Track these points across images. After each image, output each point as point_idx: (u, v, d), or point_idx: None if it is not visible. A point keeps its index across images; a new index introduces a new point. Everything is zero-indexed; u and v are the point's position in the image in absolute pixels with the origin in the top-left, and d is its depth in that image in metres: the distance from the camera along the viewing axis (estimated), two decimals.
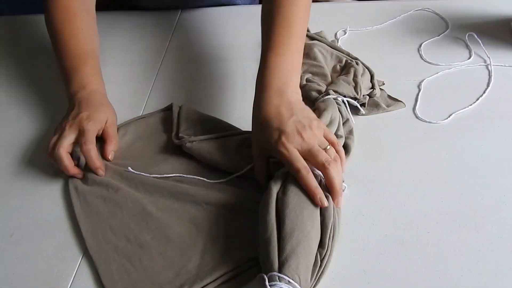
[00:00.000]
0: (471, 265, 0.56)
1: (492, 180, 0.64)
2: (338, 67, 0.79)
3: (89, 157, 0.67)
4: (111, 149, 0.71)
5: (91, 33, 0.83)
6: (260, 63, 0.68)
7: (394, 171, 0.67)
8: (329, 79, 0.77)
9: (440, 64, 0.82)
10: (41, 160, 0.73)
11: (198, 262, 0.57)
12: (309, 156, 0.59)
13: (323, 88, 0.74)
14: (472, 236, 0.58)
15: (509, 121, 0.72)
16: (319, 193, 0.56)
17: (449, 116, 0.73)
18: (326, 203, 0.56)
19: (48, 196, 0.68)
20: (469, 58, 0.83)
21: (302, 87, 0.73)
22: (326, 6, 1.01)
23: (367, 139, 0.71)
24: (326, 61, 0.80)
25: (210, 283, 0.54)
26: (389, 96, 0.76)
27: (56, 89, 0.85)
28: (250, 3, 1.08)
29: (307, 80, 0.76)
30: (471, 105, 0.74)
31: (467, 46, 0.85)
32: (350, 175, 0.66)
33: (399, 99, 0.76)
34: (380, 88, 0.77)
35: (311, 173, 0.57)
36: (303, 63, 0.77)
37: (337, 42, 0.89)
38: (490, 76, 0.79)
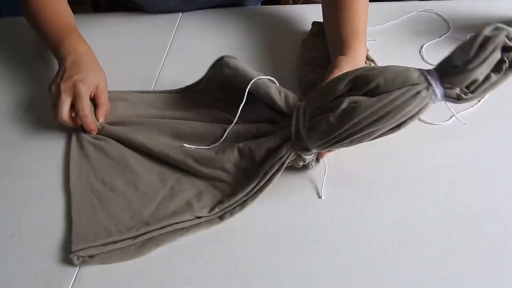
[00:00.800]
0: (472, 266, 0.55)
1: (493, 181, 0.64)
2: None
3: (86, 122, 0.73)
4: (101, 114, 0.76)
5: (69, 12, 0.88)
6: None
7: (395, 172, 0.66)
8: None
9: None
10: (42, 160, 0.73)
11: (152, 212, 0.63)
12: None
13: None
14: (473, 238, 0.58)
15: (511, 122, 0.72)
16: None
17: (450, 118, 0.73)
18: None
19: (49, 197, 0.68)
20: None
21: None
22: None
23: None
24: None
25: (155, 230, 0.61)
26: None
27: None
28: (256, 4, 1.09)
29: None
30: (472, 106, 0.74)
31: None
32: (351, 176, 0.66)
33: None
34: None
35: None
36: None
37: None
38: None
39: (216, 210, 0.63)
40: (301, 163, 0.65)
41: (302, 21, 0.93)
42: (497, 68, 0.53)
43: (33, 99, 0.85)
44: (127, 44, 0.96)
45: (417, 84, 0.54)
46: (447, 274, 0.55)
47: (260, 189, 0.64)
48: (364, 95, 0.56)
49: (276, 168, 0.63)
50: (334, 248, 0.59)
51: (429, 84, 0.54)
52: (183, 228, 0.62)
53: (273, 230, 0.62)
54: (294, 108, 0.63)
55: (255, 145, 0.65)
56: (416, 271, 0.56)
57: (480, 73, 0.52)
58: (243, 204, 0.64)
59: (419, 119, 0.73)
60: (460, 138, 0.70)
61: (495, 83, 0.54)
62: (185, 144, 0.70)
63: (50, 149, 0.75)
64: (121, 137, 0.73)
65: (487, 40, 0.51)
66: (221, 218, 0.63)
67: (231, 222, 0.63)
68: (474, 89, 0.54)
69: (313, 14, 0.84)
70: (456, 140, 0.70)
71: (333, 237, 0.60)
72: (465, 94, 0.54)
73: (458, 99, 0.54)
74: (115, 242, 0.60)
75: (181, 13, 1.03)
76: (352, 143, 0.57)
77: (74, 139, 0.75)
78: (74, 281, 0.58)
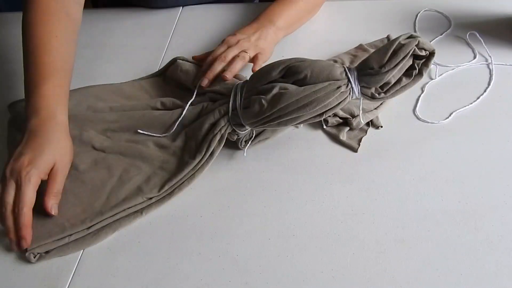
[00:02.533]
0: (471, 263, 0.56)
1: (492, 179, 0.64)
2: None
3: (20, 223, 0.59)
4: (52, 203, 0.62)
5: (67, 42, 0.73)
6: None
7: (394, 170, 0.67)
8: None
9: (443, 65, 0.81)
10: None
11: (104, 201, 0.64)
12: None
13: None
14: (472, 235, 0.58)
15: (510, 119, 0.72)
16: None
17: (449, 116, 0.73)
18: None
19: None
20: (474, 58, 0.82)
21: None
22: (328, 4, 1.01)
23: (367, 138, 0.71)
24: None
25: (109, 217, 0.63)
26: None
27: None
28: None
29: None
30: (471, 103, 0.74)
31: (469, 45, 0.85)
32: (350, 174, 0.66)
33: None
34: None
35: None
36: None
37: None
38: (491, 75, 0.79)
39: (166, 187, 0.65)
40: (235, 137, 0.68)
41: None
42: (408, 73, 0.60)
43: None
44: (126, 40, 0.96)
45: (339, 80, 0.60)
46: (445, 271, 0.55)
47: (206, 161, 0.67)
48: (293, 83, 0.62)
49: (217, 139, 0.67)
50: (332, 245, 0.59)
51: (349, 81, 0.60)
52: (136, 211, 0.64)
53: (271, 226, 0.62)
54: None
55: (198, 123, 0.69)
56: (414, 268, 0.56)
57: (392, 77, 0.59)
58: (191, 177, 0.66)
59: (418, 118, 0.73)
60: (458, 136, 0.70)
61: (405, 86, 0.61)
62: (139, 130, 0.72)
63: None
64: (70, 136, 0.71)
65: (400, 47, 0.57)
66: (171, 194, 0.66)
67: (230, 218, 0.63)
68: (386, 90, 0.61)
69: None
70: (454, 138, 0.70)
71: (332, 234, 0.60)
72: (378, 94, 0.61)
73: (372, 97, 0.61)
74: (70, 235, 0.61)
75: (180, 8, 1.02)
76: (279, 125, 0.63)
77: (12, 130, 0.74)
78: (72, 277, 0.59)
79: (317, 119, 0.63)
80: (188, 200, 0.66)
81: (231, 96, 0.67)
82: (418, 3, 0.95)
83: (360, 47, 0.83)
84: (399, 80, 0.60)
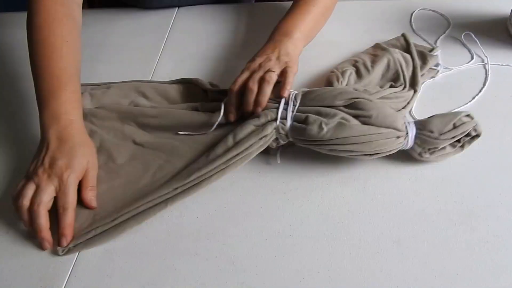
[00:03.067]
0: (467, 263, 0.56)
1: (487, 179, 0.64)
2: (387, 86, 0.75)
3: (65, 223, 0.61)
4: (90, 196, 0.64)
5: (76, 47, 0.73)
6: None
7: (389, 169, 0.67)
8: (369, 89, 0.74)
9: (445, 66, 0.81)
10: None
11: (135, 197, 0.64)
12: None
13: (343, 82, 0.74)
14: (468, 235, 0.59)
15: (505, 119, 0.72)
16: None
17: None
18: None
19: None
20: (472, 59, 0.82)
21: (331, 71, 0.77)
22: None
23: None
24: (386, 74, 0.77)
25: (134, 209, 0.62)
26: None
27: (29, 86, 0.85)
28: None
29: (342, 72, 0.75)
30: (466, 104, 0.74)
31: (465, 46, 0.85)
32: (346, 174, 0.67)
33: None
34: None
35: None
36: (360, 59, 0.80)
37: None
38: (487, 75, 0.79)
39: (193, 177, 0.64)
40: (274, 145, 0.67)
41: None
42: (453, 144, 0.65)
43: (28, 95, 0.84)
44: (122, 40, 0.96)
45: (400, 130, 0.63)
46: (441, 271, 0.55)
47: (241, 160, 0.65)
48: (354, 117, 0.64)
49: (260, 144, 0.65)
50: (329, 245, 0.59)
51: (407, 134, 0.63)
52: (161, 202, 0.63)
53: (268, 227, 0.62)
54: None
55: (241, 121, 0.67)
56: (410, 268, 0.56)
57: (442, 144, 0.64)
58: (221, 171, 0.65)
59: (414, 118, 0.73)
60: None
61: (447, 154, 0.65)
62: (179, 132, 0.71)
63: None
64: (105, 126, 0.73)
65: (461, 124, 0.63)
66: (198, 185, 0.64)
67: (226, 219, 0.63)
68: (432, 152, 0.65)
69: None
70: None
71: (328, 234, 0.60)
72: (425, 154, 0.65)
73: (419, 155, 0.65)
74: (97, 227, 0.61)
75: (176, 9, 1.02)
76: (329, 152, 0.65)
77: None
78: (69, 276, 0.58)
79: (366, 158, 0.64)
80: (184, 200, 0.65)
81: (281, 104, 0.67)
82: (414, 3, 0.96)
83: (378, 46, 0.82)
84: (443, 148, 0.65)
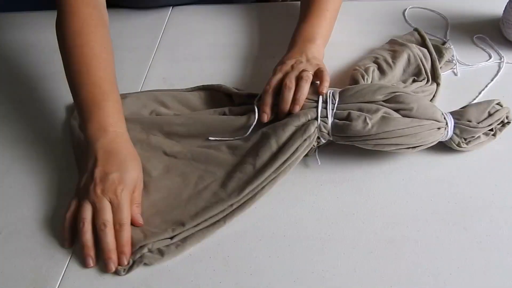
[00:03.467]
0: (460, 263, 0.56)
1: (481, 179, 0.65)
2: (410, 81, 0.75)
3: (124, 240, 0.58)
4: (137, 213, 0.62)
5: (112, 52, 0.71)
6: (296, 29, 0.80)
7: (384, 170, 0.67)
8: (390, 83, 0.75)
9: (463, 62, 0.82)
10: (29, 157, 0.73)
11: (182, 211, 0.62)
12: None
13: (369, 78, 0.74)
14: (461, 235, 0.59)
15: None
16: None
17: None
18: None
19: (37, 194, 0.68)
20: (490, 58, 0.82)
21: (354, 69, 0.77)
22: None
23: None
24: (407, 69, 0.77)
25: (191, 228, 0.60)
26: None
27: (48, 87, 0.85)
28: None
29: (365, 69, 0.75)
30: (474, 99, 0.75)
31: (476, 45, 0.85)
32: (340, 174, 0.67)
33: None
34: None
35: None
36: (378, 54, 0.79)
37: None
38: (498, 72, 0.79)
39: (246, 191, 0.62)
40: (315, 145, 0.66)
41: (292, 18, 0.93)
42: (486, 132, 0.67)
43: (26, 97, 0.84)
44: (115, 41, 0.94)
45: (439, 121, 0.64)
46: (434, 270, 0.56)
47: (290, 165, 0.64)
48: (396, 111, 0.64)
49: (305, 145, 0.64)
50: (323, 245, 0.59)
51: (447, 125, 0.65)
52: (218, 220, 0.61)
53: (263, 227, 0.62)
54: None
55: (280, 123, 0.66)
56: (404, 268, 0.56)
57: (480, 132, 0.66)
58: (273, 180, 0.64)
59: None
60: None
61: (481, 143, 0.67)
62: (210, 138, 0.70)
63: (38, 146, 0.75)
64: (138, 139, 0.70)
65: (496, 111, 0.65)
66: (252, 199, 0.63)
67: None
68: (468, 142, 0.66)
69: None
70: None
71: (323, 235, 0.60)
72: (462, 144, 0.66)
73: (457, 145, 0.66)
74: (153, 242, 0.59)
75: (170, 9, 1.02)
76: (375, 147, 0.65)
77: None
78: (61, 278, 0.58)
79: (408, 151, 0.65)
80: None
81: (319, 103, 0.66)
82: (405, 2, 0.96)
83: (395, 42, 0.83)
84: (478, 137, 0.66)
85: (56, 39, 0.72)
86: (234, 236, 0.61)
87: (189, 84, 0.81)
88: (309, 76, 0.68)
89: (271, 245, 0.60)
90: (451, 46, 0.82)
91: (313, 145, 0.66)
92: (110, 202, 0.59)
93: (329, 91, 0.68)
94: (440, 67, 0.78)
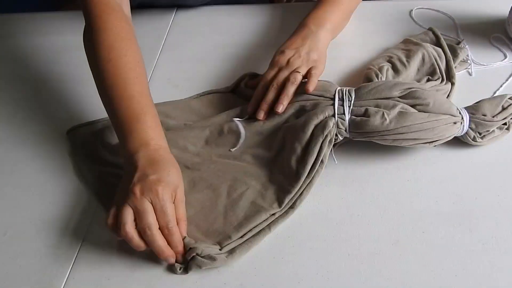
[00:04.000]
0: (465, 265, 0.56)
1: (486, 180, 0.64)
2: (424, 80, 0.75)
3: (172, 241, 0.57)
4: (184, 230, 0.59)
5: (144, 67, 0.69)
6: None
7: (388, 171, 0.67)
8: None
9: (477, 62, 0.81)
10: (34, 158, 0.73)
11: (223, 222, 0.61)
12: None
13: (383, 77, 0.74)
14: (466, 236, 0.58)
15: (510, 130, 0.71)
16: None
17: None
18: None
19: (42, 195, 0.68)
20: (505, 57, 0.82)
21: (368, 68, 0.77)
22: None
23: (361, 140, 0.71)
24: (422, 68, 0.77)
25: (238, 239, 0.59)
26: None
27: (53, 88, 0.85)
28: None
29: (379, 68, 0.75)
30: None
31: (493, 44, 0.85)
32: (345, 175, 0.67)
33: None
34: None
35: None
36: (392, 53, 0.80)
37: None
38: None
39: (286, 201, 0.62)
40: (333, 142, 0.66)
41: (298, 19, 0.93)
42: (500, 126, 0.68)
43: (26, 97, 0.84)
44: None
45: (455, 116, 0.65)
46: (439, 272, 0.55)
47: (320, 166, 0.64)
48: (413, 106, 0.65)
49: (327, 142, 0.64)
50: (327, 246, 0.59)
51: (462, 119, 0.65)
52: (263, 228, 0.61)
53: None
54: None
55: (299, 125, 0.66)
56: (409, 269, 0.56)
57: (495, 126, 0.67)
58: (309, 185, 0.64)
59: None
60: (455, 138, 0.70)
61: (496, 137, 0.68)
62: (235, 119, 0.71)
63: (43, 147, 0.75)
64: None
65: (509, 105, 0.67)
66: (293, 207, 0.63)
67: None
68: (483, 136, 0.67)
69: (306, 12, 0.84)
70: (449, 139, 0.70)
71: (327, 236, 0.60)
72: (478, 138, 0.67)
73: (473, 140, 0.67)
74: (203, 249, 0.57)
75: (175, 10, 1.02)
76: (393, 142, 0.65)
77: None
78: (66, 279, 0.58)
79: (427, 146, 0.66)
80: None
81: (336, 100, 0.66)
82: (412, 3, 0.96)
83: (409, 41, 0.83)
84: (493, 131, 0.67)
85: (85, 52, 0.71)
86: None
87: (193, 85, 0.82)
88: (297, 79, 0.69)
89: (275, 246, 0.60)
90: (466, 46, 0.82)
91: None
92: (152, 204, 0.57)
93: (344, 88, 0.68)
94: (455, 67, 0.78)
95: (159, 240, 0.56)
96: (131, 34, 0.71)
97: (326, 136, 0.64)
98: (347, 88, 0.68)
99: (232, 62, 0.88)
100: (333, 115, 0.65)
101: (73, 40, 0.80)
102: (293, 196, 0.63)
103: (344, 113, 0.65)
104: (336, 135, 0.65)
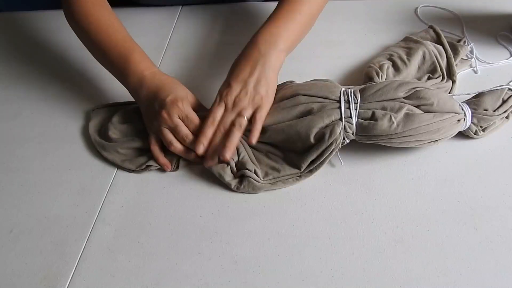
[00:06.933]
0: (470, 263, 0.56)
1: (491, 179, 0.64)
2: (425, 78, 0.76)
3: (205, 137, 0.67)
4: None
5: (121, 23, 0.80)
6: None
7: (393, 169, 0.67)
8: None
9: (482, 60, 0.81)
10: (40, 156, 0.73)
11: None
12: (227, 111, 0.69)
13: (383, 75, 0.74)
14: (471, 235, 0.58)
15: (510, 119, 0.72)
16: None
17: None
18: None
19: (47, 193, 0.68)
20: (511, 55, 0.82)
21: (368, 66, 0.76)
22: (327, 4, 1.01)
23: None
24: (422, 66, 0.77)
25: (283, 176, 0.67)
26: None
27: (61, 86, 0.85)
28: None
29: (380, 66, 0.75)
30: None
31: (500, 43, 0.84)
32: (349, 173, 0.66)
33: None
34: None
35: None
36: (393, 52, 0.79)
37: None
38: None
39: (270, 177, 0.67)
40: (340, 145, 0.66)
41: None
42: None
43: (31, 95, 0.85)
44: None
45: (459, 113, 0.65)
46: (444, 271, 0.55)
47: (316, 168, 0.66)
48: (417, 106, 0.65)
49: (332, 148, 0.65)
50: (332, 245, 0.59)
51: (465, 115, 0.66)
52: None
53: (271, 226, 0.62)
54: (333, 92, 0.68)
55: (303, 126, 0.66)
56: (413, 268, 0.56)
57: (496, 119, 0.67)
58: (298, 178, 0.66)
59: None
60: (457, 135, 0.70)
61: (495, 128, 0.69)
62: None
63: (48, 144, 0.75)
64: None
65: (508, 97, 0.68)
66: (274, 185, 0.66)
67: (229, 218, 0.63)
68: (484, 129, 0.68)
69: None
70: (453, 137, 0.70)
71: (331, 234, 0.60)
72: (479, 131, 0.68)
73: (475, 134, 0.68)
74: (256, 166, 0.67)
75: (180, 8, 1.02)
76: (400, 144, 0.65)
77: None
78: (72, 276, 0.59)
79: (431, 145, 0.66)
80: (187, 200, 0.66)
81: (342, 102, 0.65)
82: (416, 1, 0.95)
83: (410, 39, 0.82)
84: (494, 122, 0.68)
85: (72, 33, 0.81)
86: (243, 235, 0.61)
87: (199, 83, 0.82)
88: (241, 125, 0.67)
89: (280, 244, 0.60)
90: (471, 44, 0.81)
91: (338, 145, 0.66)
92: (180, 118, 0.68)
93: (349, 90, 0.67)
94: (456, 65, 0.77)
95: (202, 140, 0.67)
96: (103, 1, 0.81)
97: (331, 143, 0.64)
98: (352, 89, 0.67)
99: None
100: (340, 119, 0.65)
101: (77, 38, 0.80)
102: (280, 177, 0.67)
103: (351, 116, 0.65)
104: (344, 138, 0.65)
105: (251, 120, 0.68)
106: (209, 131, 0.67)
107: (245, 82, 0.69)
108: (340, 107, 0.65)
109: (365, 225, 0.61)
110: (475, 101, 0.68)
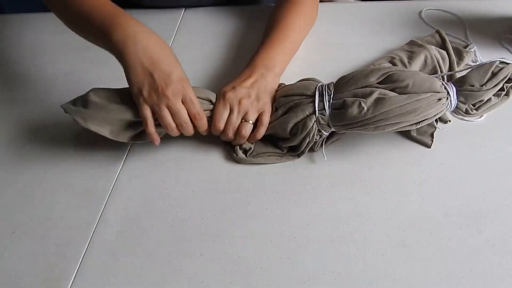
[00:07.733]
0: (472, 266, 0.56)
1: (494, 182, 0.64)
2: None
3: (202, 125, 0.69)
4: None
5: None
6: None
7: (395, 171, 0.67)
8: None
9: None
10: (43, 157, 0.73)
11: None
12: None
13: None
14: (474, 238, 0.58)
15: (511, 122, 0.72)
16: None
17: (449, 120, 0.72)
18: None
19: (49, 194, 0.68)
20: None
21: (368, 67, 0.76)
22: (331, 7, 1.01)
23: (368, 139, 0.70)
24: (423, 70, 0.77)
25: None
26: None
27: (60, 87, 0.86)
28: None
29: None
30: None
31: (504, 46, 0.84)
32: (352, 176, 0.66)
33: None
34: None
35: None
36: (396, 55, 0.79)
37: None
38: None
39: (250, 151, 0.71)
40: (318, 138, 0.68)
41: None
42: (497, 93, 0.66)
43: (33, 96, 0.85)
44: None
45: (439, 92, 0.63)
46: (446, 273, 0.55)
47: (292, 157, 0.70)
48: (392, 90, 0.63)
49: (307, 141, 0.67)
50: (334, 247, 0.59)
51: (448, 94, 0.63)
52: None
53: (273, 228, 0.62)
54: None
55: (278, 123, 0.69)
56: (416, 271, 0.56)
57: (487, 95, 0.64)
58: (269, 159, 0.70)
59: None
60: (460, 138, 0.70)
61: (494, 105, 0.67)
62: None
63: (51, 145, 0.75)
64: None
65: (499, 70, 0.64)
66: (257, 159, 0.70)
67: (231, 220, 0.63)
68: (478, 107, 0.66)
69: (318, 14, 0.85)
70: (456, 140, 0.70)
71: (333, 236, 0.60)
72: (471, 110, 0.66)
73: (465, 113, 0.66)
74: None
75: (183, 10, 1.02)
76: (375, 129, 0.64)
77: None
78: (74, 277, 0.59)
79: (413, 127, 0.65)
80: (189, 201, 0.66)
81: (316, 96, 0.67)
82: (420, 4, 0.95)
83: (414, 43, 0.83)
84: (489, 99, 0.66)
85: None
86: (245, 237, 0.61)
87: (202, 85, 0.82)
88: (247, 130, 0.69)
89: (282, 246, 0.60)
90: (474, 48, 0.81)
91: (317, 138, 0.67)
92: (182, 101, 0.67)
93: (324, 84, 0.68)
94: (461, 70, 0.77)
95: (193, 129, 0.69)
96: None
97: (305, 137, 0.66)
98: (327, 83, 0.68)
99: (241, 62, 0.88)
100: (314, 113, 0.66)
101: (79, 40, 0.80)
102: (258, 154, 0.71)
103: (324, 109, 0.66)
104: (320, 131, 0.66)
105: (256, 123, 0.70)
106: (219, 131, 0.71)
107: (247, 88, 0.71)
108: (314, 101, 0.66)
109: (367, 227, 0.60)
110: (460, 77, 0.66)
